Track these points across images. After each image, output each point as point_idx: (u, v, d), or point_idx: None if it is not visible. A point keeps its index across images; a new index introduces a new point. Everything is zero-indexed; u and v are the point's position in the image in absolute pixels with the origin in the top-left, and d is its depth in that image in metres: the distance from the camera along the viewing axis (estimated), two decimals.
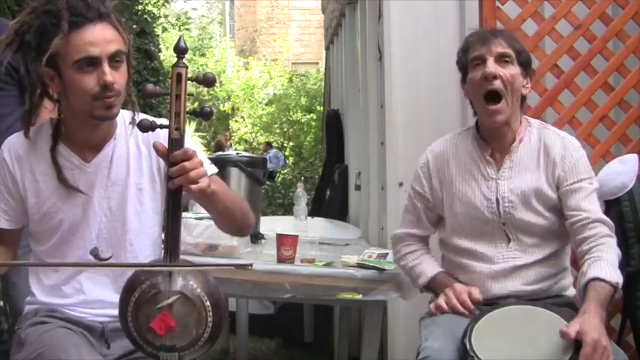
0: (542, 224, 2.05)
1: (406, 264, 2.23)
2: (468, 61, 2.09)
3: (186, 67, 1.55)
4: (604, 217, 2.03)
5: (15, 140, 1.82)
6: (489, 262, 2.05)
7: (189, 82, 1.56)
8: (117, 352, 1.78)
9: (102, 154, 1.81)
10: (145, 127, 1.59)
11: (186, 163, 1.54)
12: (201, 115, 1.58)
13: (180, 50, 1.55)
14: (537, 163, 2.07)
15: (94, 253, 1.77)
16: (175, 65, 1.54)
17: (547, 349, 1.77)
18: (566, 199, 2.03)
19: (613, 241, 2.00)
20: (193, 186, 1.56)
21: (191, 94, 1.58)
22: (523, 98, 2.11)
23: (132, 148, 1.83)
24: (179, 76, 1.54)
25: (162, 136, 1.60)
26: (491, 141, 2.10)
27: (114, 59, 1.70)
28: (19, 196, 1.80)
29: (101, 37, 1.68)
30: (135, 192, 1.82)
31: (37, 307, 1.83)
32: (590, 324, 1.74)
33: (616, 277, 1.89)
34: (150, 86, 1.60)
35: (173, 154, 1.54)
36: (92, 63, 1.67)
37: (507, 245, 2.05)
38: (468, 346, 1.79)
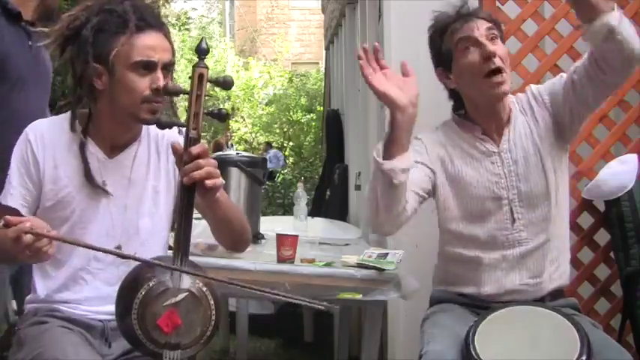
0: (549, 190, 2.04)
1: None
2: (453, 45, 2.03)
3: (208, 68, 1.58)
4: None
5: (40, 124, 1.87)
6: (495, 248, 2.03)
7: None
8: (117, 351, 1.79)
9: (125, 153, 1.86)
10: (164, 125, 1.64)
11: (202, 160, 1.57)
12: (219, 116, 1.61)
13: (201, 51, 1.58)
14: (528, 125, 2.07)
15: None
16: (197, 65, 1.57)
17: (551, 350, 1.77)
18: (564, 85, 2.02)
19: None
20: (208, 181, 1.58)
21: (209, 95, 1.61)
22: None
23: (152, 152, 1.88)
24: (201, 76, 1.56)
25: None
26: (488, 120, 2.08)
27: (166, 68, 1.77)
28: (37, 180, 1.81)
29: (160, 44, 1.77)
30: (152, 194, 1.86)
31: (37, 305, 1.84)
32: None
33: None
34: (171, 83, 1.66)
35: (189, 149, 1.57)
36: (148, 67, 1.74)
37: (512, 225, 2.03)
38: (471, 348, 1.78)
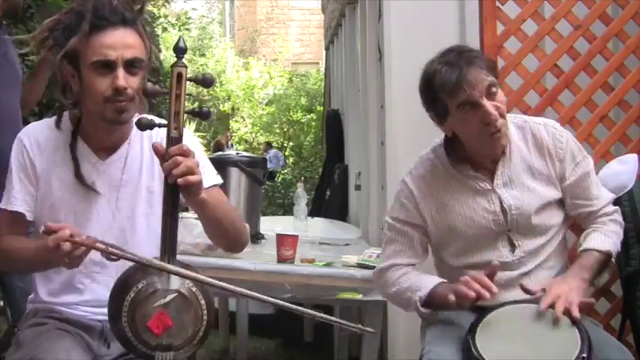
0: (548, 223, 2.01)
1: (399, 288, 2.02)
2: (451, 106, 1.91)
3: (186, 67, 1.57)
4: (609, 197, 2.12)
5: (33, 128, 1.86)
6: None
7: (188, 82, 1.57)
8: (116, 352, 1.78)
9: (116, 155, 1.83)
10: (144, 125, 1.61)
11: (179, 158, 1.55)
12: (200, 115, 1.61)
13: (179, 50, 1.57)
14: (531, 160, 2.02)
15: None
16: (175, 65, 1.56)
17: (551, 349, 1.76)
18: (572, 191, 2.04)
19: (618, 217, 2.10)
20: (190, 177, 1.55)
21: (190, 94, 1.60)
22: None
23: (145, 152, 1.85)
24: (179, 75, 1.56)
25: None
26: (483, 155, 2.01)
27: (131, 65, 1.72)
28: (36, 184, 1.81)
29: (120, 42, 1.71)
30: (146, 195, 1.84)
31: (37, 306, 1.84)
32: (559, 284, 1.86)
33: (608, 244, 1.98)
34: (149, 85, 1.64)
35: (169, 150, 1.55)
36: (107, 66, 1.70)
37: (512, 253, 2.00)
38: (472, 346, 1.78)
